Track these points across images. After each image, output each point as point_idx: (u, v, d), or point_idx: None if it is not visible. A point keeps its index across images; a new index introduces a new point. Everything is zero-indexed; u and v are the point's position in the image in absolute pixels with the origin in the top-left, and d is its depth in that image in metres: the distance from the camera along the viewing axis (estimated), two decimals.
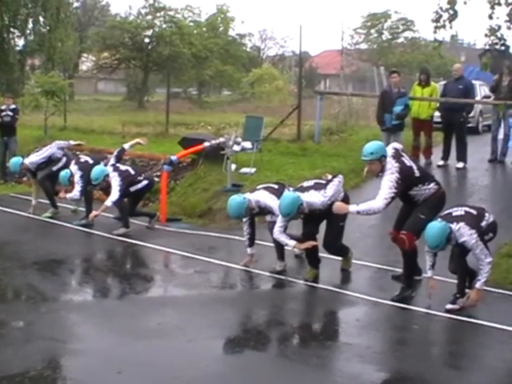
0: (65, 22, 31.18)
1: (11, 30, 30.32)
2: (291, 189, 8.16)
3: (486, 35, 10.52)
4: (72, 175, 10.49)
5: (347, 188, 8.75)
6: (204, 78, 47.05)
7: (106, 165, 10.42)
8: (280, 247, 8.15)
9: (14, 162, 11.61)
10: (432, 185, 7.19)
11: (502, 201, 10.83)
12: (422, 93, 13.29)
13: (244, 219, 8.30)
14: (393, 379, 5.59)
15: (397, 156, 7.10)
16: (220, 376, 5.42)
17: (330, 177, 8.04)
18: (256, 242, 8.42)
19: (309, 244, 7.72)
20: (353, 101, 19.57)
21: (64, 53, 31.29)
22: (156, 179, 11.70)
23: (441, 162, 13.22)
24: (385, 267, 8.20)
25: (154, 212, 10.94)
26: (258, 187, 8.47)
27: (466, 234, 6.60)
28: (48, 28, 30.68)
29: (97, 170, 10.12)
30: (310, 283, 7.74)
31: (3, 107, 14.71)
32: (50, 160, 11.37)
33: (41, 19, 31.17)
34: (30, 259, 8.70)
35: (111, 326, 6.46)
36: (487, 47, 10.90)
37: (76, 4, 45.57)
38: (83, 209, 10.91)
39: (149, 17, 45.35)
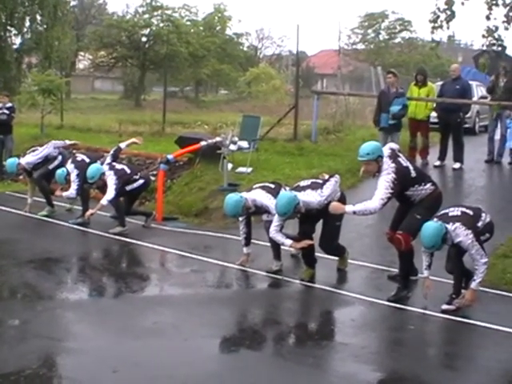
0: (62, 21, 31.17)
1: (8, 28, 30.32)
2: (288, 188, 8.16)
3: (483, 36, 10.52)
4: (68, 174, 10.49)
5: (344, 188, 8.75)
6: (201, 77, 47.07)
7: (102, 163, 10.41)
8: (276, 247, 8.15)
9: (10, 163, 11.58)
10: (428, 185, 7.19)
11: (499, 202, 10.84)
12: (418, 93, 13.29)
13: (240, 218, 8.31)
14: (388, 379, 5.59)
15: (393, 156, 7.10)
16: (215, 375, 5.41)
17: (326, 176, 8.04)
18: (252, 241, 8.42)
19: (305, 243, 7.71)
20: (350, 101, 19.57)
21: (61, 51, 31.27)
22: (152, 178, 11.71)
23: (437, 163, 13.24)
24: (381, 267, 8.21)
25: (150, 211, 10.93)
26: (254, 186, 8.47)
27: (462, 235, 6.60)
28: (45, 26, 30.67)
29: (93, 169, 10.12)
30: (306, 283, 7.74)
31: None
32: (47, 159, 11.36)
33: (38, 17, 31.16)
34: (26, 257, 8.69)
35: (107, 325, 6.45)
36: (484, 48, 10.91)
37: (73, 2, 45.51)
38: (79, 207, 10.91)
39: (146, 15, 45.32)
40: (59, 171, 10.56)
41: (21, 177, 13.54)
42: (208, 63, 45.77)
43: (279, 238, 7.81)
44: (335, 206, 7.22)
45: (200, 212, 11.33)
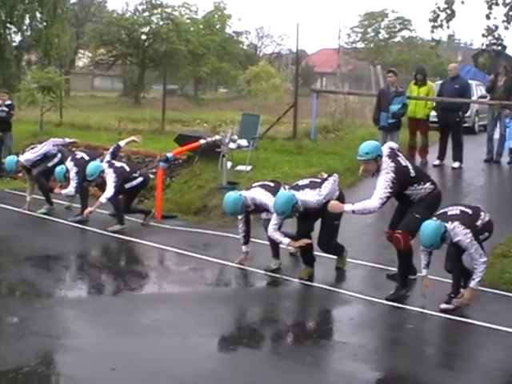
0: (61, 18, 31.11)
1: (8, 25, 30.24)
2: (287, 187, 8.16)
3: (483, 35, 10.56)
4: (68, 171, 10.48)
5: (343, 187, 8.74)
6: (200, 75, 46.95)
7: (101, 161, 10.41)
8: (275, 245, 8.15)
9: (9, 160, 11.56)
10: (428, 184, 7.19)
11: (498, 201, 10.84)
12: (418, 92, 13.29)
13: (239, 217, 8.30)
14: (386, 378, 5.59)
15: (392, 155, 7.10)
16: (214, 373, 5.41)
17: (325, 175, 8.04)
18: (251, 239, 8.42)
19: (303, 242, 7.72)
20: (349, 99, 19.56)
21: (60, 49, 31.21)
22: (151, 176, 11.69)
23: (437, 162, 13.24)
24: (380, 266, 8.20)
25: (149, 209, 10.92)
26: (253, 185, 8.47)
27: (461, 234, 6.60)
28: (45, 24, 30.60)
29: (92, 166, 10.11)
30: (304, 281, 7.74)
31: None
32: (46, 157, 11.35)
33: (37, 15, 31.09)
34: (25, 255, 8.68)
35: (105, 323, 6.45)
36: (484, 47, 10.92)
37: (73, 0, 45.45)
38: (78, 205, 10.90)
39: (146, 13, 45.20)
40: (58, 168, 10.55)
41: (20, 174, 13.52)
42: (208, 61, 45.66)
43: (277, 236, 7.81)
44: (334, 205, 7.22)
45: (199, 210, 11.33)
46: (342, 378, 5.39)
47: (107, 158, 10.48)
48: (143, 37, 45.05)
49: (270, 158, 13.35)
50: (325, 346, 6.11)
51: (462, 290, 6.88)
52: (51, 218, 10.97)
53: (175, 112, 25.04)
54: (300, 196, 7.62)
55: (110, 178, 10.00)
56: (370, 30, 53.68)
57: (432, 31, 10.75)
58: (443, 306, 6.77)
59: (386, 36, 53.62)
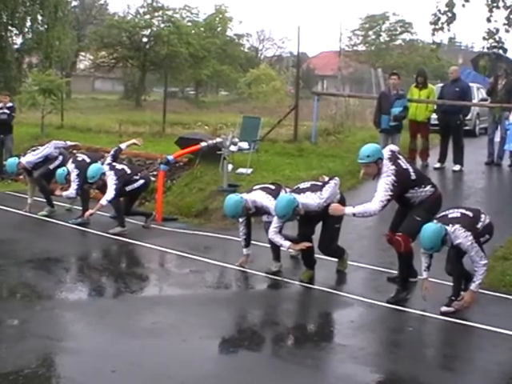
0: (63, 21, 31.22)
1: (9, 27, 30.34)
2: (288, 190, 8.17)
3: (484, 38, 10.53)
4: (69, 173, 10.49)
5: (343, 189, 8.75)
6: (201, 78, 46.99)
7: (102, 164, 10.42)
8: (276, 248, 8.15)
9: (10, 163, 11.59)
10: (428, 187, 7.19)
11: (498, 204, 10.84)
12: (419, 95, 13.30)
13: (240, 219, 8.31)
14: (387, 381, 5.59)
15: (393, 158, 7.10)
16: (214, 376, 5.41)
17: (326, 179, 8.05)
18: (252, 242, 8.42)
19: (303, 245, 7.72)
20: (350, 102, 19.58)
21: (61, 51, 31.31)
22: (152, 178, 11.70)
23: (437, 165, 13.24)
24: (380, 269, 8.20)
25: (150, 211, 10.94)
26: (254, 187, 8.47)
27: (462, 236, 6.60)
28: (46, 26, 30.70)
29: (93, 168, 10.12)
30: (305, 284, 7.74)
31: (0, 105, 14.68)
32: (47, 159, 11.37)
33: (39, 17, 31.20)
34: (26, 257, 8.69)
35: (106, 325, 6.45)
36: (485, 50, 10.92)
37: (74, 2, 45.53)
38: (79, 207, 10.91)
39: (147, 16, 45.26)
40: (59, 170, 10.57)
41: (21, 176, 13.54)
42: (208, 64, 45.70)
43: (278, 239, 7.81)
44: (335, 208, 7.23)
45: (200, 213, 11.34)
46: (342, 381, 5.39)
47: (108, 160, 10.49)
48: (144, 39, 45.10)
49: (270, 161, 13.36)
50: (325, 349, 6.11)
51: (462, 292, 6.88)
52: (52, 220, 10.98)
53: (176, 115, 25.04)
54: (301, 199, 7.62)
55: (111, 181, 10.00)
56: (370, 32, 53.75)
57: (433, 34, 10.73)
58: (444, 308, 6.77)
59: (387, 39, 53.70)
